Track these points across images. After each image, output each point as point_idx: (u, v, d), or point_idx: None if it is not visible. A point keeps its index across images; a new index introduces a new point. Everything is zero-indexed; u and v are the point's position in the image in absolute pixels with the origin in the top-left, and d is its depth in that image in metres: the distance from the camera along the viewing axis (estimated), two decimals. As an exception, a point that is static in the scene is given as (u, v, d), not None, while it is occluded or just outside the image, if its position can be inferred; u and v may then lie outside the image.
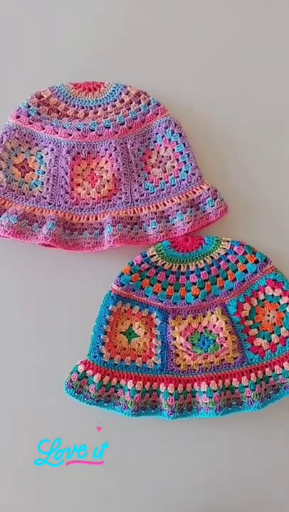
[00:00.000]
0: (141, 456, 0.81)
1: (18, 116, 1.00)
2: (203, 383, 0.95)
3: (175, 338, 0.97)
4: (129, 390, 0.94)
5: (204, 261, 0.99)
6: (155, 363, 0.96)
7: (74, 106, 1.02)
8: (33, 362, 0.92)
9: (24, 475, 0.69)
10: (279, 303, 0.98)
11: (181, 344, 0.97)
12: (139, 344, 0.97)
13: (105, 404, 0.96)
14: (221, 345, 0.97)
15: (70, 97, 1.02)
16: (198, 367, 0.96)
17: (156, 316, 0.97)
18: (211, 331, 0.97)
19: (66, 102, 1.02)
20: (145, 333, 0.97)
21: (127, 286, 0.97)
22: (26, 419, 0.77)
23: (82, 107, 1.02)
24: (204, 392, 0.94)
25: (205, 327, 0.98)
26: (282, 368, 0.97)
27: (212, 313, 0.97)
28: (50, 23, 1.07)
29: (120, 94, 1.02)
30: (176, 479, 0.82)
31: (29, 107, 1.00)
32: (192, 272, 0.99)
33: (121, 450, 0.78)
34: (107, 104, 1.02)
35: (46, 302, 0.99)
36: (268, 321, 0.98)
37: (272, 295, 0.98)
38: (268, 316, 0.99)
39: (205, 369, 0.97)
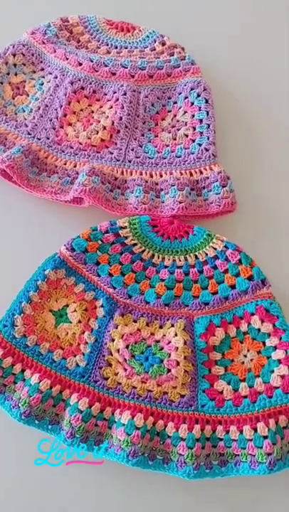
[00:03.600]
0: None
1: (33, 33, 0.69)
2: (127, 413, 0.55)
3: (113, 340, 0.58)
4: (31, 385, 0.56)
5: (185, 258, 0.61)
6: (78, 365, 0.58)
7: (98, 41, 0.70)
8: None
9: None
10: (264, 343, 0.57)
11: (118, 351, 0.58)
12: (67, 333, 0.59)
13: None
14: (168, 371, 0.57)
15: (98, 30, 0.71)
16: (129, 389, 0.57)
17: (102, 305, 0.60)
18: (162, 348, 0.58)
19: (91, 35, 0.70)
20: (79, 322, 0.59)
21: (78, 254, 0.60)
22: None
23: (107, 44, 0.70)
24: (124, 424, 0.54)
25: (157, 341, 0.58)
26: (241, 432, 0.54)
27: (172, 325, 0.58)
28: None
29: (154, 41, 0.69)
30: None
31: (49, 26, 0.69)
32: (166, 267, 0.61)
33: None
34: (136, 48, 0.70)
35: None
36: (243, 362, 0.57)
37: (259, 330, 0.57)
38: (245, 356, 0.57)
39: (138, 396, 0.56)
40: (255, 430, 0.54)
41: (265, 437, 0.53)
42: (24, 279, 0.61)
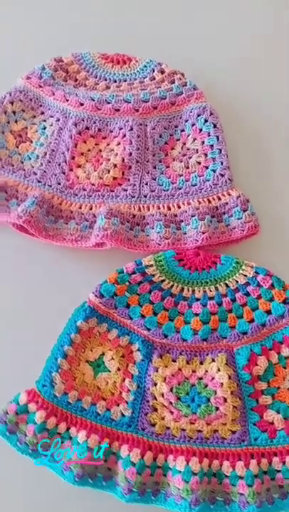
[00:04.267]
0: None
1: (28, 77, 0.68)
2: (181, 458, 0.54)
3: (156, 384, 0.57)
4: (78, 443, 0.55)
5: (216, 288, 0.60)
6: (123, 414, 0.57)
7: (96, 77, 0.69)
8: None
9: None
10: None
11: (163, 395, 0.57)
12: (107, 382, 0.58)
13: (42, 456, 0.56)
14: (217, 409, 0.56)
15: (93, 66, 0.70)
16: (179, 433, 0.56)
17: (138, 349, 0.59)
18: (206, 385, 0.57)
19: (88, 71, 0.70)
20: (118, 370, 0.58)
21: (107, 300, 0.59)
22: None
23: (105, 79, 0.69)
24: (180, 472, 0.53)
25: (200, 378, 0.58)
26: None
27: (213, 360, 0.58)
28: None
29: (153, 71, 0.68)
30: None
31: (44, 69, 0.68)
32: (197, 300, 0.60)
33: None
34: (135, 79, 0.69)
35: (8, 299, 0.65)
36: None
37: None
38: None
39: (188, 438, 0.56)
40: (314, 458, 0.53)
41: None
42: (53, 330, 0.60)
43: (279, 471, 0.55)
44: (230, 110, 0.70)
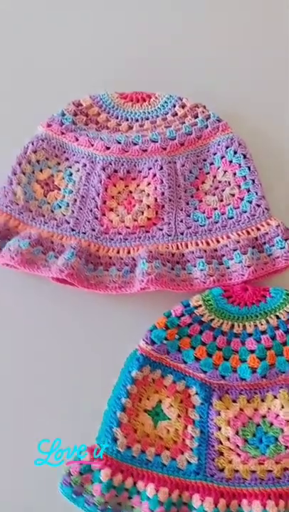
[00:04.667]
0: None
1: (49, 125, 0.68)
2: (257, 503, 0.53)
3: (220, 429, 0.57)
4: (148, 498, 0.54)
5: (267, 321, 0.59)
6: (189, 462, 0.56)
7: (117, 117, 0.70)
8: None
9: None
10: None
11: (228, 439, 0.57)
12: (168, 431, 0.57)
13: None
14: (286, 447, 0.56)
15: (113, 107, 0.70)
16: (249, 475, 0.55)
17: (196, 393, 0.58)
18: (272, 424, 0.56)
19: (108, 113, 0.70)
20: (179, 416, 0.58)
21: (159, 346, 0.58)
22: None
23: (127, 119, 0.69)
24: (258, 518, 0.54)
25: (263, 416, 0.57)
26: None
27: (274, 396, 0.57)
28: (94, 31, 0.79)
29: (174, 106, 0.69)
30: None
31: (64, 115, 0.68)
32: (250, 335, 0.59)
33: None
34: (157, 116, 0.69)
35: (54, 352, 0.64)
36: None
37: None
38: None
39: (260, 480, 0.55)
40: None
41: None
42: (105, 380, 0.60)
43: None
44: (254, 136, 0.69)
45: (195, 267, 0.63)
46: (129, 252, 0.65)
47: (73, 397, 0.62)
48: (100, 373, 0.62)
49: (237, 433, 0.56)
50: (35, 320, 0.65)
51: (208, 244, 0.64)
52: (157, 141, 0.66)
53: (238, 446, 0.56)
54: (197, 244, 0.64)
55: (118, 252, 0.65)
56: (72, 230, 0.66)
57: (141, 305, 0.65)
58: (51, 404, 0.63)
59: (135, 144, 0.67)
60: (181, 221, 0.65)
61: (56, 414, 0.62)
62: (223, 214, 0.65)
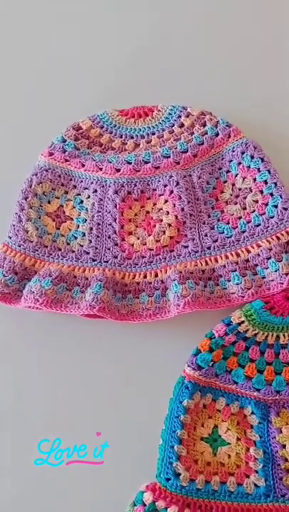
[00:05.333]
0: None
1: (51, 154, 0.66)
2: None
3: (284, 446, 0.55)
4: (221, 530, 0.53)
5: (313, 328, 0.63)
6: (256, 485, 0.55)
7: (121, 136, 0.68)
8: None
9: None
10: None
11: (295, 455, 0.56)
12: (229, 455, 0.56)
13: None
14: None
15: (115, 126, 0.68)
16: None
17: (252, 413, 0.57)
18: None
19: (111, 133, 0.68)
20: (238, 439, 0.56)
21: (207, 370, 0.57)
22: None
23: (132, 137, 0.67)
24: None
25: None
26: None
27: None
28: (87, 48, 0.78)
29: (179, 117, 0.67)
30: None
31: (64, 141, 0.66)
32: (297, 344, 0.59)
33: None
34: (163, 130, 0.67)
35: (91, 391, 0.62)
36: None
37: None
38: None
39: None
40: None
41: None
42: (151, 408, 0.58)
43: None
44: (265, 137, 0.68)
45: (229, 281, 0.61)
46: (156, 275, 0.63)
47: (122, 434, 0.61)
48: (145, 408, 0.60)
49: (303, 448, 0.55)
50: (67, 356, 0.63)
51: (238, 255, 0.62)
52: (169, 156, 0.64)
53: (305, 461, 0.55)
54: (227, 257, 0.62)
55: (145, 276, 0.63)
56: (94, 260, 0.63)
57: (177, 328, 0.63)
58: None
59: (146, 163, 0.65)
60: (206, 235, 0.64)
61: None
62: (248, 222, 0.63)
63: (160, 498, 0.54)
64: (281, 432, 0.56)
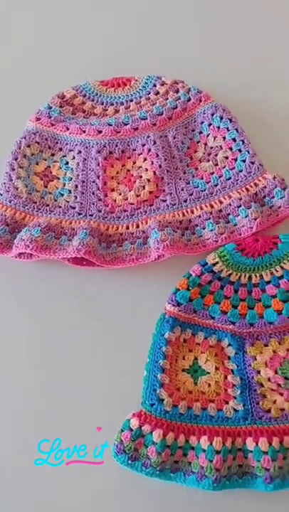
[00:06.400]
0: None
1: (38, 119, 0.73)
2: (309, 433, 0.58)
3: (259, 372, 0.61)
4: (203, 450, 0.57)
5: (281, 267, 0.65)
6: (235, 410, 0.60)
7: (102, 103, 0.75)
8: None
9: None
10: None
11: (269, 379, 0.61)
12: (209, 384, 0.62)
13: (172, 474, 0.58)
14: None
15: (96, 94, 0.75)
16: (295, 410, 0.60)
17: (229, 344, 0.63)
18: (306, 358, 0.62)
19: (93, 100, 0.75)
20: (217, 369, 0.62)
21: (185, 306, 0.63)
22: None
23: (112, 104, 0.75)
24: (313, 446, 0.57)
25: (297, 354, 0.63)
26: None
27: (303, 333, 0.64)
28: (73, 24, 0.86)
29: (154, 85, 0.75)
30: None
31: (50, 108, 0.73)
32: (268, 283, 0.65)
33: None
34: (140, 97, 0.75)
35: (82, 331, 0.67)
36: None
37: None
38: None
39: (306, 413, 0.60)
40: None
41: None
42: (137, 346, 0.64)
43: None
44: (231, 101, 0.76)
45: (204, 229, 0.68)
46: (138, 226, 0.69)
47: (106, 368, 0.66)
48: (131, 343, 0.66)
49: (276, 372, 0.61)
50: (55, 304, 0.69)
51: (212, 206, 0.70)
52: (146, 118, 0.72)
53: (279, 384, 0.61)
54: (202, 208, 0.69)
55: (128, 228, 0.69)
56: (79, 214, 0.70)
57: (159, 274, 0.69)
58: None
59: (126, 124, 0.72)
60: (182, 189, 0.71)
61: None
62: (220, 176, 0.71)
63: (146, 423, 0.59)
64: (256, 359, 0.62)
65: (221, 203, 0.70)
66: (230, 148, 0.71)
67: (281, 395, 0.61)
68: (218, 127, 0.72)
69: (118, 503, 0.60)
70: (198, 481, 0.57)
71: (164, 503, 0.61)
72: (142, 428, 0.59)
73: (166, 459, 0.58)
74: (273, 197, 0.68)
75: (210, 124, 0.72)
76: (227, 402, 0.61)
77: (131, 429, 0.59)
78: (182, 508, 0.61)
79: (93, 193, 0.71)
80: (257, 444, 0.58)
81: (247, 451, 0.59)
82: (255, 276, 0.66)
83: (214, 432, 0.59)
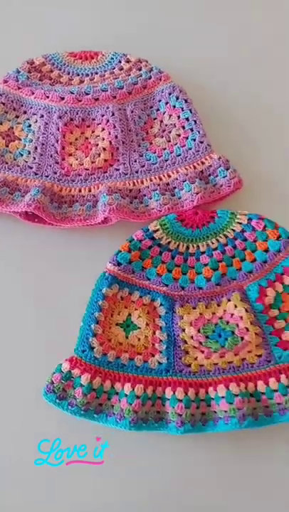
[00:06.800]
0: (141, 456, 0.65)
1: (5, 81, 0.77)
2: (221, 386, 0.64)
3: (184, 330, 0.68)
4: (126, 395, 0.64)
5: (217, 240, 0.71)
6: (159, 362, 0.66)
7: (68, 73, 0.80)
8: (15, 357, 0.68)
9: (24, 475, 0.63)
10: None
11: (192, 337, 0.67)
12: (139, 339, 0.68)
13: (95, 415, 0.65)
14: (242, 338, 0.67)
15: (64, 64, 0.80)
16: (213, 367, 0.66)
17: (161, 304, 0.69)
18: (228, 322, 0.68)
19: (60, 69, 0.80)
20: (147, 325, 0.68)
21: (125, 266, 0.69)
22: (26, 419, 0.65)
23: (78, 74, 0.80)
24: (222, 397, 0.63)
25: (220, 317, 0.68)
26: None
27: (229, 300, 0.69)
28: None
29: (120, 62, 0.80)
30: (176, 479, 0.63)
31: (19, 72, 0.78)
32: (203, 253, 0.71)
33: (121, 450, 0.64)
34: (105, 71, 0.80)
35: (29, 286, 0.72)
36: None
37: None
38: None
39: (222, 370, 0.66)
40: None
41: None
42: (79, 301, 0.69)
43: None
44: (189, 84, 0.82)
45: (151, 199, 0.74)
46: (90, 190, 0.75)
47: (50, 321, 0.71)
48: (74, 298, 0.70)
49: (199, 331, 0.68)
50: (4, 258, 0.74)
51: (160, 179, 0.75)
52: (107, 90, 0.77)
53: (200, 342, 0.67)
54: (151, 180, 0.75)
55: (80, 191, 0.75)
56: (36, 174, 0.75)
57: (106, 237, 0.74)
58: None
59: (87, 94, 0.77)
60: (135, 161, 0.76)
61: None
62: (171, 152, 0.77)
63: (76, 367, 0.65)
64: (182, 318, 0.69)
65: (169, 176, 0.75)
66: (183, 127, 0.77)
67: (202, 352, 0.67)
68: (174, 106, 0.78)
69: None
70: (118, 421, 0.63)
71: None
72: (72, 371, 0.65)
73: (91, 400, 0.64)
74: (217, 176, 0.75)
75: (167, 103, 0.78)
76: (153, 355, 0.68)
77: (62, 372, 0.65)
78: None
79: (51, 156, 0.76)
80: (174, 393, 0.65)
81: (165, 399, 0.65)
82: (192, 246, 0.72)
83: (138, 380, 0.66)
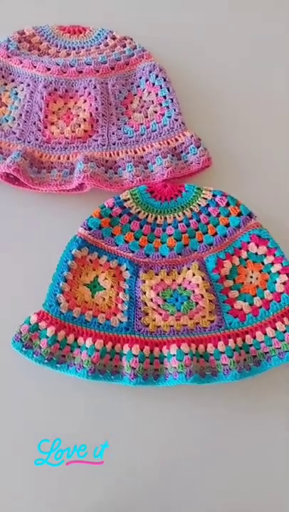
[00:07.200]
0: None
1: (-5, 50, 0.84)
2: (173, 346, 0.70)
3: (145, 293, 0.74)
4: (86, 348, 0.70)
5: (183, 213, 0.77)
6: (120, 321, 0.73)
7: (56, 46, 0.84)
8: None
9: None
10: (263, 263, 0.75)
11: (152, 300, 0.73)
12: (104, 299, 0.74)
13: (58, 365, 0.71)
14: (196, 304, 0.73)
15: (53, 36, 0.85)
16: (168, 329, 0.72)
17: (126, 269, 0.75)
18: (185, 288, 0.74)
19: (49, 41, 0.84)
20: (112, 287, 0.74)
21: (95, 231, 0.75)
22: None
23: (65, 47, 0.84)
24: (173, 355, 0.70)
25: (179, 284, 0.75)
26: (265, 334, 0.72)
27: (188, 268, 0.75)
28: None
29: (106, 38, 0.85)
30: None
31: (9, 41, 0.82)
32: (169, 225, 0.77)
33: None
34: (91, 46, 0.85)
35: (5, 245, 0.77)
36: (251, 282, 0.74)
37: (256, 253, 0.75)
38: (251, 277, 0.75)
39: (176, 331, 0.72)
40: (276, 329, 0.72)
41: (284, 331, 0.72)
42: (51, 262, 0.74)
43: (251, 345, 0.73)
44: (171, 66, 0.86)
45: (124, 170, 0.79)
46: (68, 158, 0.80)
47: (24, 278, 0.77)
48: (46, 259, 0.76)
49: (158, 294, 0.74)
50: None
51: (135, 152, 0.81)
52: (91, 64, 0.82)
53: (159, 305, 0.74)
54: (127, 153, 0.80)
55: (59, 158, 0.80)
56: (18, 139, 0.80)
57: (80, 203, 0.80)
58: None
59: (72, 66, 0.82)
60: (113, 133, 0.81)
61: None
62: (148, 128, 0.82)
63: (43, 320, 0.71)
64: (144, 282, 0.75)
65: (143, 150, 0.81)
66: (160, 104, 0.82)
67: (160, 314, 0.74)
68: (153, 84, 0.83)
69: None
70: (77, 370, 0.70)
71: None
72: (39, 324, 0.71)
73: (54, 351, 0.71)
74: (188, 153, 0.80)
75: (147, 80, 0.83)
76: (115, 315, 0.74)
77: (30, 324, 0.71)
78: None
79: (34, 123, 0.81)
80: (131, 349, 0.71)
81: (122, 355, 0.72)
82: (160, 217, 0.78)
83: (99, 336, 0.72)
